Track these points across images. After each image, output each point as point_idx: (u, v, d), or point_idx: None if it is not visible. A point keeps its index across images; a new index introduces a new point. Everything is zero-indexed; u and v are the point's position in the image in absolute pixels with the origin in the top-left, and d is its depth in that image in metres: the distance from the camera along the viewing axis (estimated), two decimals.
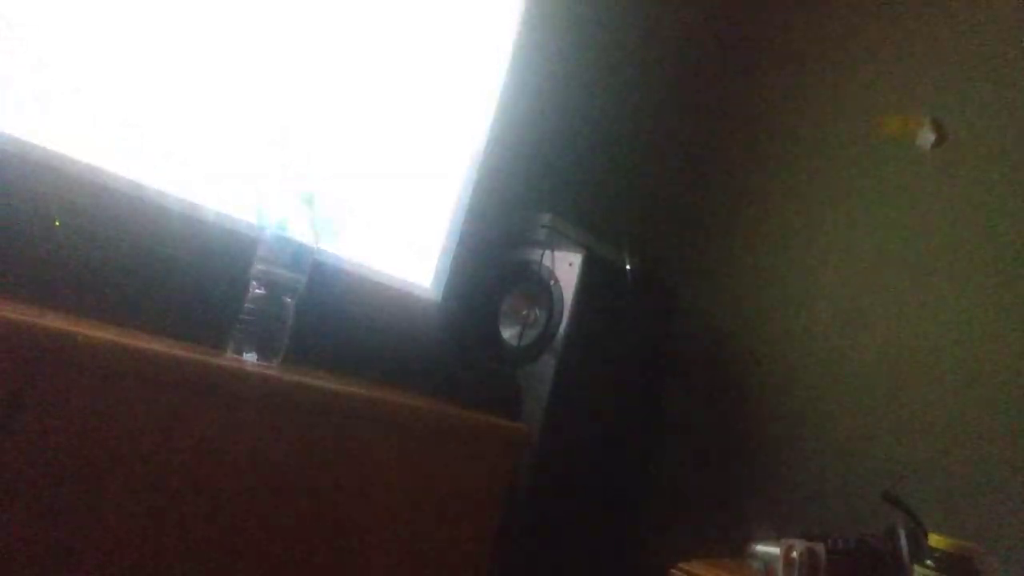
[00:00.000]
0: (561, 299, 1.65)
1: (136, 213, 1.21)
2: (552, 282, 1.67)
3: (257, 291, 1.11)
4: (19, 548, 0.76)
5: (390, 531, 1.17)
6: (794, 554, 1.21)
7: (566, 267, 1.67)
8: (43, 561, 0.78)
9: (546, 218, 1.72)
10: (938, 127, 1.84)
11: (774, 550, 1.27)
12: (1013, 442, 1.56)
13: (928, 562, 1.11)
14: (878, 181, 1.92)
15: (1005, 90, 1.77)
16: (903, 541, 1.26)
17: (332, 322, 1.42)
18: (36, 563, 0.77)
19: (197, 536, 0.91)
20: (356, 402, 1.12)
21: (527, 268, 1.73)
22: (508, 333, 1.72)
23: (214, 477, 0.92)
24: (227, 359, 1.04)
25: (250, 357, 1.08)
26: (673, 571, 1.29)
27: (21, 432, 0.75)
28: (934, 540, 1.13)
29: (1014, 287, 1.65)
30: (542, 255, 1.70)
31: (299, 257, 1.14)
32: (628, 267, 1.77)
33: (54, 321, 0.81)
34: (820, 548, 1.22)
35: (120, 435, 0.83)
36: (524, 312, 1.72)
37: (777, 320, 1.98)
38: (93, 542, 0.82)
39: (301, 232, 1.14)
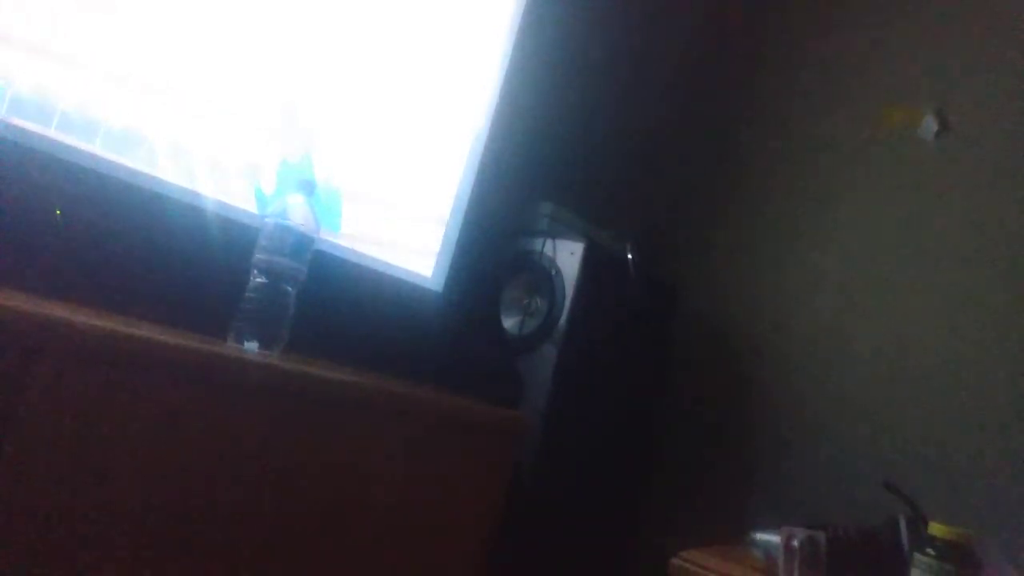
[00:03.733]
0: (562, 288, 1.64)
1: (137, 202, 1.20)
2: (553, 271, 1.67)
3: (258, 280, 1.11)
4: (21, 538, 0.76)
5: (391, 519, 1.17)
6: (795, 542, 1.21)
7: (567, 256, 1.66)
8: (45, 551, 0.78)
9: (548, 207, 1.72)
10: (941, 117, 1.84)
11: (775, 538, 1.27)
12: (1013, 432, 1.56)
13: (928, 550, 1.11)
14: (880, 172, 1.91)
15: (1007, 80, 1.76)
16: (903, 529, 1.26)
17: (333, 311, 1.42)
18: (38, 553, 0.78)
19: (197, 524, 0.92)
20: (357, 391, 1.12)
21: (528, 257, 1.73)
22: (509, 322, 1.72)
23: (215, 465, 0.93)
24: (228, 348, 1.05)
25: (251, 346, 1.08)
26: (674, 560, 1.29)
27: (22, 420, 0.75)
28: (934, 528, 1.13)
29: (1016, 277, 1.65)
30: (543, 244, 1.70)
31: (300, 246, 1.13)
32: (629, 257, 1.77)
33: (55, 309, 0.81)
34: (821, 536, 1.22)
35: (120, 423, 0.83)
36: (525, 301, 1.72)
37: (779, 310, 1.98)
38: (94, 531, 0.82)
39: (302, 221, 1.14)
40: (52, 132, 1.13)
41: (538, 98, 1.91)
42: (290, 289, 1.13)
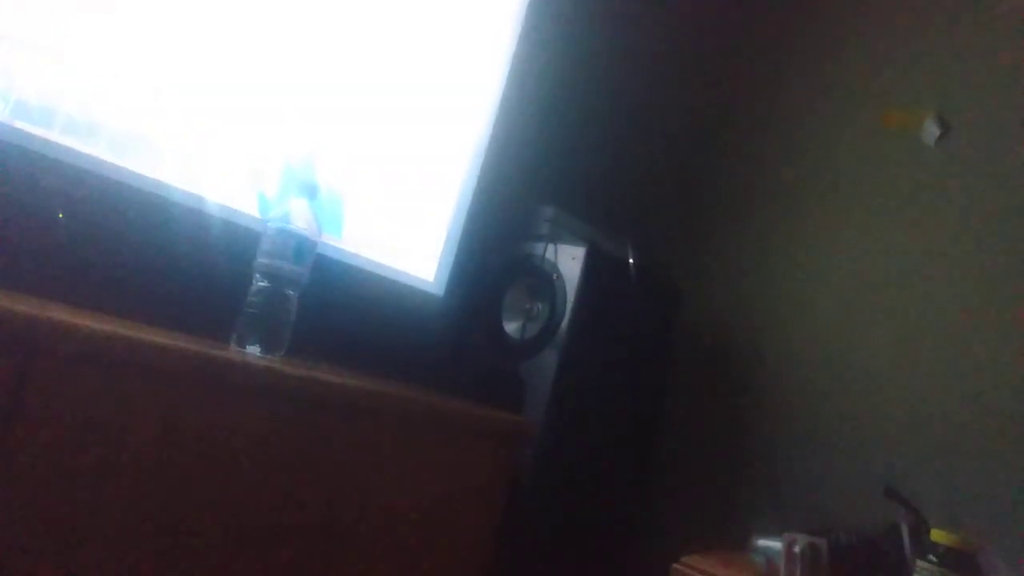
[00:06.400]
0: (564, 293, 1.64)
1: (139, 205, 1.21)
2: (555, 276, 1.66)
3: (260, 284, 1.11)
4: (20, 541, 0.76)
5: (393, 524, 1.17)
6: (796, 549, 1.21)
7: (569, 261, 1.66)
8: (45, 554, 0.78)
9: (549, 212, 1.72)
10: (942, 121, 1.84)
11: (776, 544, 1.27)
12: (1017, 438, 1.56)
13: (930, 557, 1.11)
14: (882, 175, 1.91)
15: (1009, 84, 1.76)
16: (905, 536, 1.26)
17: (335, 315, 1.42)
18: (38, 556, 0.78)
19: (198, 528, 0.91)
20: (358, 395, 1.11)
21: (530, 262, 1.73)
22: (511, 327, 1.72)
23: (216, 469, 0.93)
24: (230, 352, 1.04)
25: (253, 350, 1.08)
26: (676, 566, 1.29)
27: (23, 424, 0.75)
28: (936, 535, 1.13)
29: (1018, 282, 1.65)
30: (545, 249, 1.70)
31: (302, 250, 1.13)
32: (631, 261, 1.77)
33: (57, 313, 0.81)
34: (822, 543, 1.23)
35: (122, 427, 0.83)
36: (527, 306, 1.72)
37: (780, 314, 1.98)
38: (95, 534, 0.82)
39: (304, 225, 1.14)
40: (55, 135, 1.13)
41: (540, 102, 1.92)
42: (292, 293, 1.13)
